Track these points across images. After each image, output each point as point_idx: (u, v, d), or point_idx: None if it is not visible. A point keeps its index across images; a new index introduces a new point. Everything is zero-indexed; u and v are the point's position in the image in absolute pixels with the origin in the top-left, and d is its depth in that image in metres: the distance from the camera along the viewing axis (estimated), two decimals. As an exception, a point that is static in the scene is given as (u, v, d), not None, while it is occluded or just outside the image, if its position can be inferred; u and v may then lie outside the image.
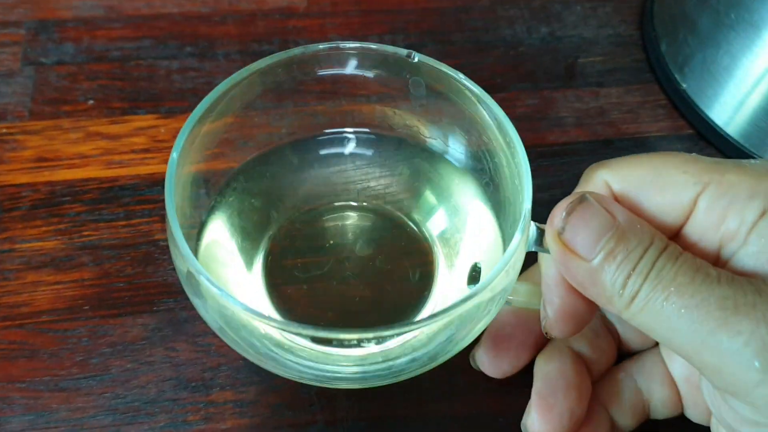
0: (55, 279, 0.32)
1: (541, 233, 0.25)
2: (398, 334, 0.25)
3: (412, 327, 0.24)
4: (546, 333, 0.26)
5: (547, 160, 0.37)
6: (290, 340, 0.27)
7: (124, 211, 0.34)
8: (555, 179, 0.36)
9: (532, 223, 0.26)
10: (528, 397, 0.27)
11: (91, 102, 0.37)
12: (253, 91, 0.30)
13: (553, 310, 0.25)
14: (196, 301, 0.26)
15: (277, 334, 0.27)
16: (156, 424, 0.29)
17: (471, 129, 0.30)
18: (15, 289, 0.31)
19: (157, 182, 0.35)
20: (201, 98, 0.38)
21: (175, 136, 0.36)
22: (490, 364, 0.29)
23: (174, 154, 0.26)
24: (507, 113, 0.28)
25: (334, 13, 0.42)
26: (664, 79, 0.40)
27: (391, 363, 0.28)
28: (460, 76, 0.28)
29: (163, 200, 0.34)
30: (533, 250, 0.26)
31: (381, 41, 0.41)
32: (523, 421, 0.28)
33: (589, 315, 0.25)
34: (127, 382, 0.30)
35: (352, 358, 0.28)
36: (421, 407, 0.30)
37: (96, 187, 0.35)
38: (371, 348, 0.28)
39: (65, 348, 0.30)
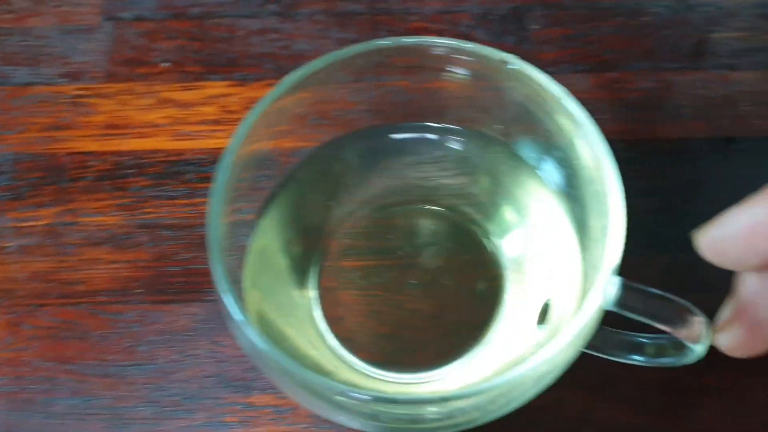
0: (113, 257, 0.31)
1: (624, 291, 0.22)
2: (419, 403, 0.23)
3: (439, 398, 0.22)
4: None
5: (656, 159, 0.32)
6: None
7: (187, 189, 0.33)
8: (661, 184, 0.31)
9: (617, 278, 0.22)
10: None
11: (166, 64, 0.36)
12: (334, 79, 0.27)
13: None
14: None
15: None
16: (194, 422, 0.28)
17: (567, 153, 0.26)
18: (73, 266, 0.31)
19: (221, 159, 0.33)
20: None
21: (246, 108, 0.35)
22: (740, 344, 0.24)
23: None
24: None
25: (432, -30, 0.37)
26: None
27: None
28: (559, 93, 0.24)
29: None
30: (612, 309, 0.22)
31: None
32: None
33: None
34: (171, 375, 0.29)
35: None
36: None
37: (162, 159, 0.33)
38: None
39: (115, 332, 0.30)
